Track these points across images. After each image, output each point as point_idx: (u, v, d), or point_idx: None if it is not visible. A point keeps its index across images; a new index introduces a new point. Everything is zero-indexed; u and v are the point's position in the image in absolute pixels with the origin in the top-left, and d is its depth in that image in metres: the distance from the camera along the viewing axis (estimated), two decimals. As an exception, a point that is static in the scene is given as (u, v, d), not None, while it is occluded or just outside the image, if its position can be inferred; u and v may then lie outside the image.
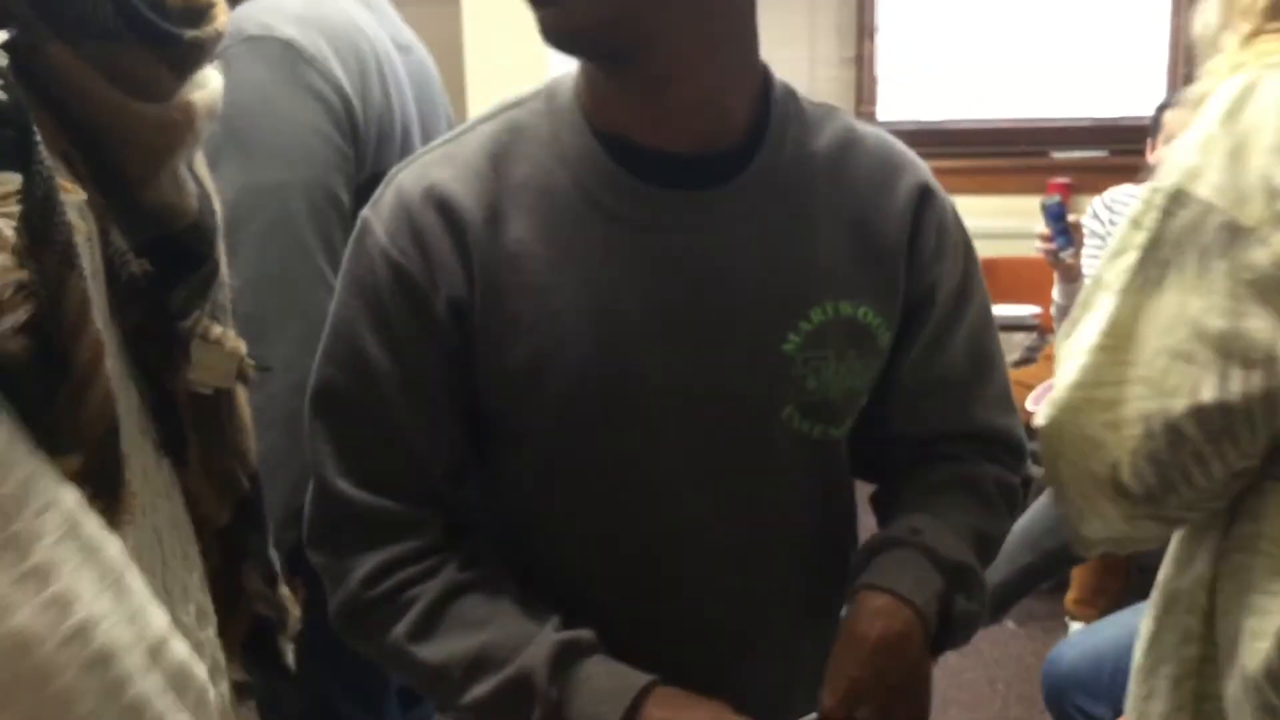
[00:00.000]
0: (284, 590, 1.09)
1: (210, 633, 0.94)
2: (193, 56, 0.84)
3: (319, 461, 1.10)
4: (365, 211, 1.09)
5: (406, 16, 1.73)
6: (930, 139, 4.98)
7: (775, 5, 4.93)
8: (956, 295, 1.18)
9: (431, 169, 1.07)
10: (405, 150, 1.56)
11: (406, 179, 1.08)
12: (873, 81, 5.11)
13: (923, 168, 1.17)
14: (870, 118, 5.06)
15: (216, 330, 0.92)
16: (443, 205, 1.05)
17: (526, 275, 1.05)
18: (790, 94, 1.12)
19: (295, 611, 1.10)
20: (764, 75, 1.11)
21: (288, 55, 1.43)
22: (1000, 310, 4.10)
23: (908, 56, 5.11)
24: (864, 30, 5.08)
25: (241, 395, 0.98)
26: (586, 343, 1.05)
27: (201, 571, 0.95)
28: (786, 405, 1.10)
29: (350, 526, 1.09)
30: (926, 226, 1.15)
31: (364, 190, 1.35)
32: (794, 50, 5.09)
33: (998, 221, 4.41)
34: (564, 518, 1.13)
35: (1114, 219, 3.53)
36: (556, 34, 0.99)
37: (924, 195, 1.15)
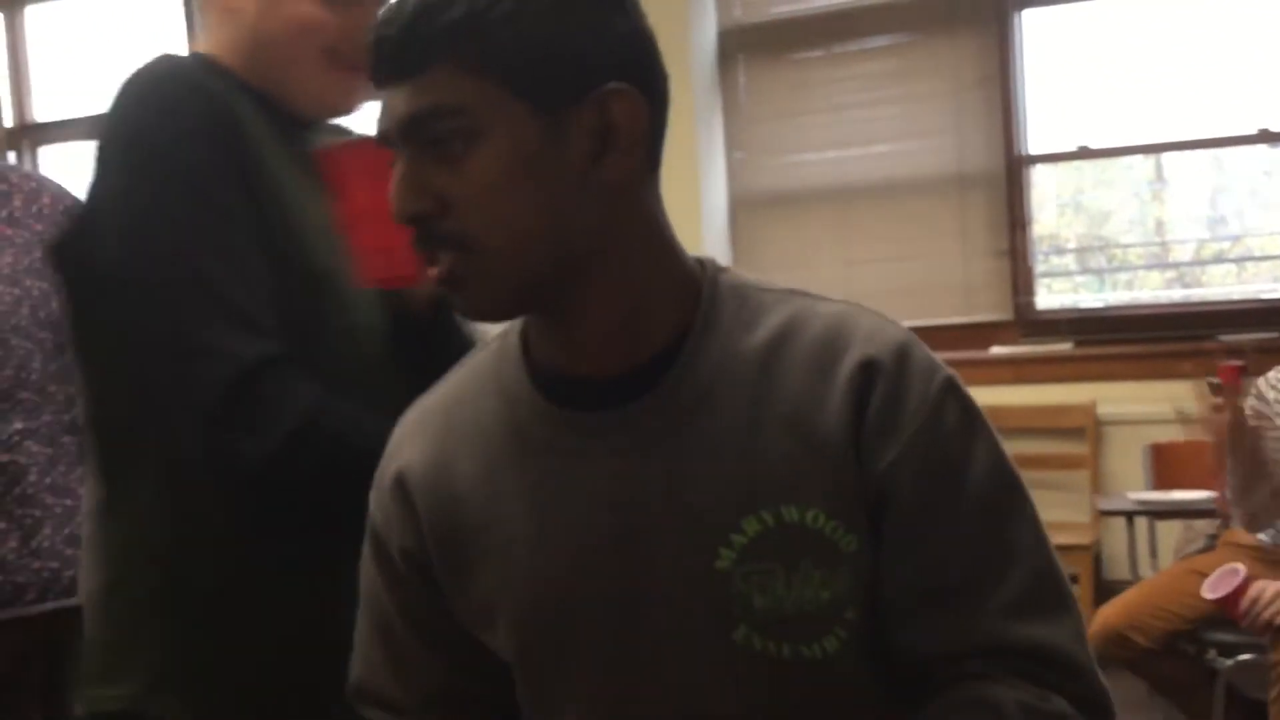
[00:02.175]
0: None
1: None
2: None
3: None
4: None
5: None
6: (1094, 326, 4.93)
7: (926, 200, 5.01)
8: (933, 480, 1.02)
9: (403, 436, 1.18)
10: None
11: (388, 452, 1.19)
12: (1028, 272, 5.08)
13: (882, 339, 1.05)
14: (1029, 309, 5.06)
15: None
16: (398, 479, 1.14)
17: (472, 515, 1.10)
18: (732, 290, 1.08)
19: None
20: (693, 277, 1.08)
21: None
22: (1176, 496, 3.98)
23: (1062, 242, 5.09)
24: (1016, 222, 5.06)
25: None
26: (527, 576, 1.08)
27: None
28: (738, 625, 1.02)
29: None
30: (871, 404, 1.02)
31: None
32: (947, 244, 5.09)
33: (1167, 407, 4.31)
34: None
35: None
36: (470, 316, 1.07)
37: (866, 368, 1.02)
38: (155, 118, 1.36)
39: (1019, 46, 5.05)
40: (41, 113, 6.72)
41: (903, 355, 1.04)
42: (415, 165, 1.00)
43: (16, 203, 2.24)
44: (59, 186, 2.31)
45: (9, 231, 2.21)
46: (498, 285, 1.01)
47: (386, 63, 1.00)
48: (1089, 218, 5.17)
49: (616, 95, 0.99)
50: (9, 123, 6.52)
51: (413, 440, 1.15)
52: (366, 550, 1.19)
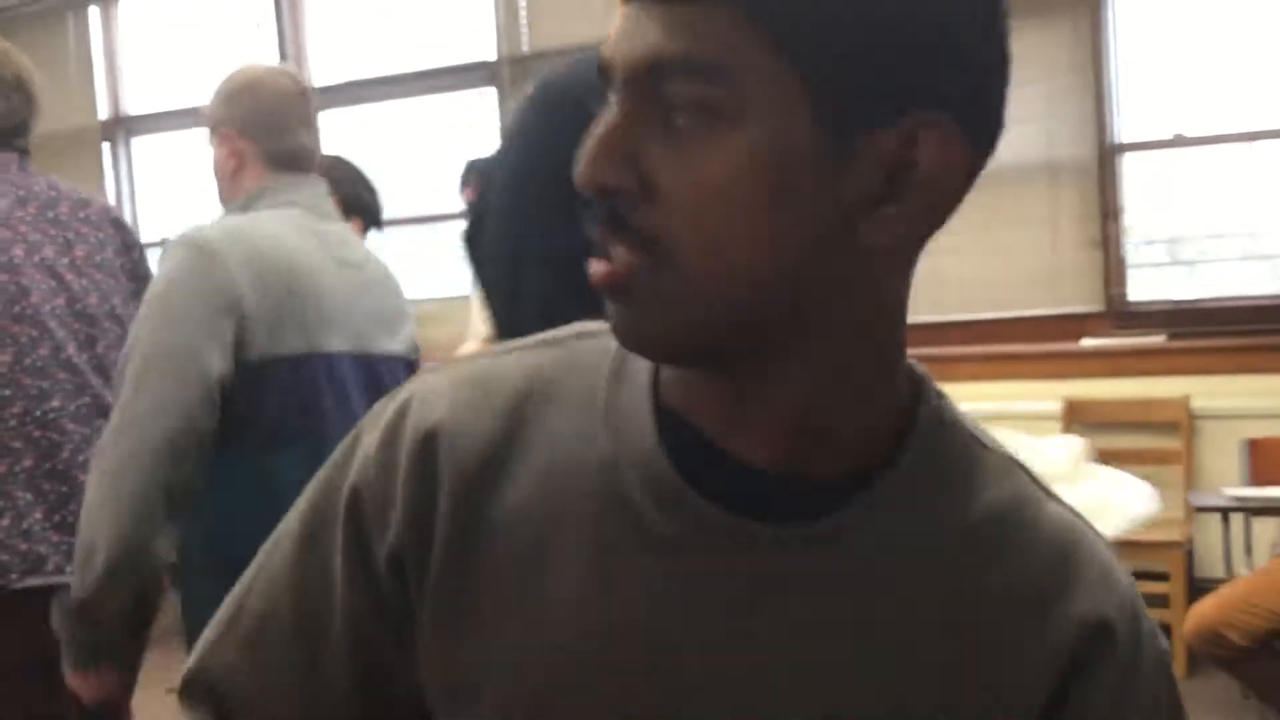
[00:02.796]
0: None
1: None
2: None
3: None
4: (365, 419, 0.89)
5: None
6: (1188, 318, 4.82)
7: (1015, 188, 4.91)
8: None
9: (448, 389, 0.86)
10: (312, 338, 2.07)
11: (416, 396, 0.86)
12: (1120, 263, 4.98)
13: (1117, 588, 0.81)
14: (1120, 300, 4.97)
15: None
16: (428, 437, 0.83)
17: (513, 547, 0.81)
18: (950, 428, 0.82)
19: None
20: (908, 402, 0.82)
21: (199, 249, 1.99)
22: (1273, 492, 3.88)
23: (1155, 232, 5.00)
24: (1108, 211, 4.96)
25: None
26: (553, 672, 0.79)
27: None
28: None
29: None
30: (1092, 681, 0.78)
31: (252, 368, 1.98)
32: (1036, 233, 5.00)
33: (1263, 401, 4.22)
34: None
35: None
36: (625, 339, 0.76)
37: (1099, 634, 0.78)
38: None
39: (1112, 32, 4.96)
40: (134, 105, 6.81)
41: (1136, 620, 0.81)
42: (631, 123, 0.72)
43: (63, 208, 2.46)
44: (106, 202, 2.61)
45: (52, 231, 2.42)
46: (674, 318, 0.73)
47: None
48: (1183, 207, 5.06)
49: (932, 130, 0.71)
50: (103, 115, 6.67)
51: (463, 402, 0.84)
52: (332, 524, 0.86)
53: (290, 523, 0.90)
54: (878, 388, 0.79)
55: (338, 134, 5.80)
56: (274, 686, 0.88)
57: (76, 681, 2.05)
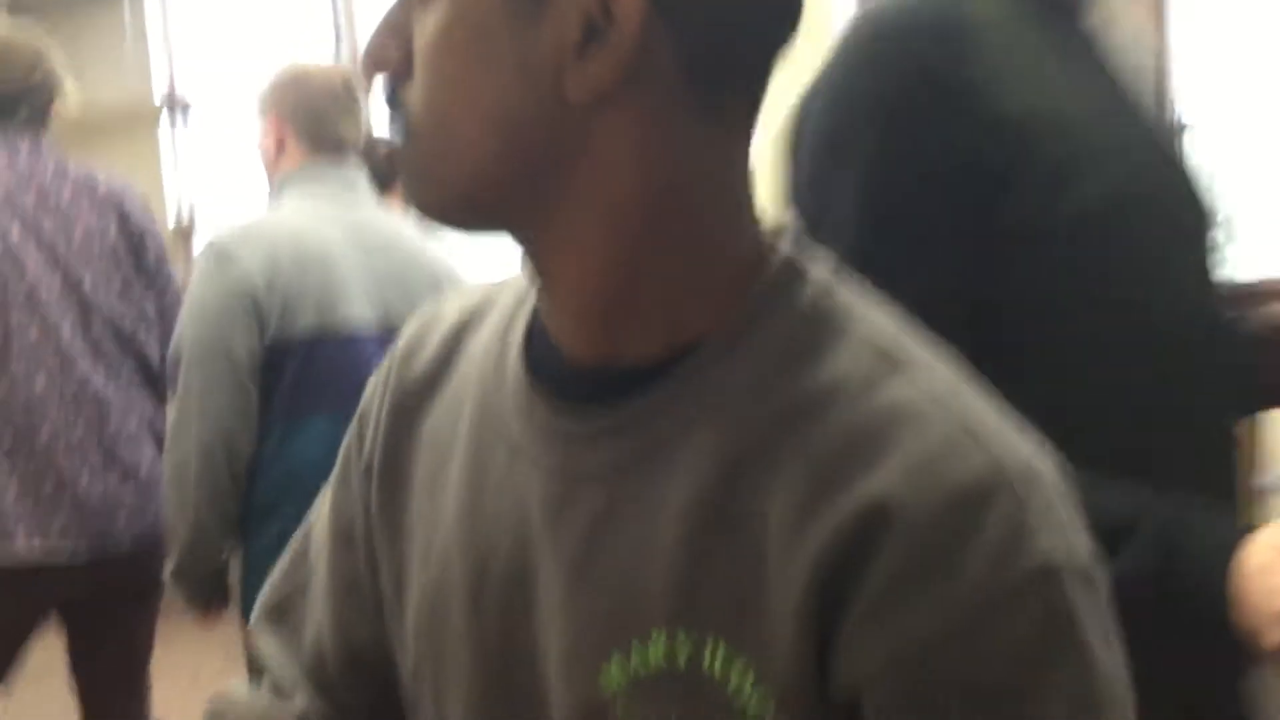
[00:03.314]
0: None
1: None
2: None
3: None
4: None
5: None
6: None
7: None
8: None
9: (413, 322, 0.96)
10: (324, 316, 2.32)
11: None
12: None
13: (930, 478, 0.67)
14: None
15: None
16: (389, 367, 0.94)
17: (423, 471, 0.88)
18: (809, 298, 0.76)
19: None
20: (757, 263, 0.77)
21: (216, 254, 2.31)
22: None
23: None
24: None
25: None
26: (437, 578, 0.85)
27: None
28: None
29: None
30: (872, 565, 0.67)
31: (271, 350, 2.29)
32: None
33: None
34: None
35: None
36: (414, 212, 0.80)
37: (870, 520, 0.67)
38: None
39: None
40: (191, 84, 6.74)
41: (961, 511, 0.67)
42: (403, 5, 0.77)
43: (66, 191, 2.58)
44: (118, 186, 2.68)
45: (51, 212, 2.54)
46: (423, 182, 0.77)
47: None
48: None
49: None
50: (160, 93, 6.66)
51: (414, 333, 0.94)
52: (351, 446, 0.97)
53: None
54: (687, 269, 0.75)
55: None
56: (324, 604, 0.96)
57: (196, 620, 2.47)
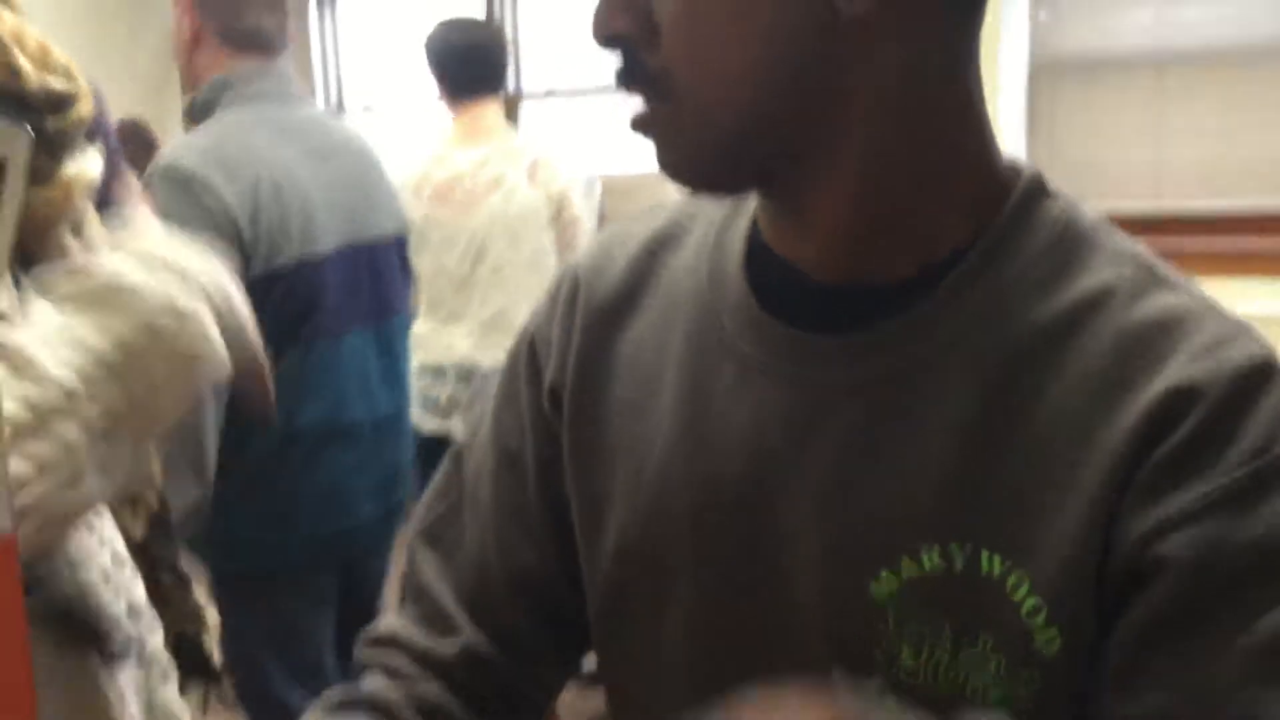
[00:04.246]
0: (196, 594, 1.24)
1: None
2: (61, 141, 0.98)
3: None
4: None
5: None
6: None
7: (1257, 69, 4.77)
8: (1221, 576, 0.68)
9: (595, 242, 0.95)
10: (305, 243, 2.22)
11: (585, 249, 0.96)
12: None
13: (1225, 355, 0.71)
14: None
15: None
16: (572, 285, 0.92)
17: (625, 391, 0.87)
18: (1054, 221, 0.78)
19: (211, 614, 1.28)
20: (1002, 187, 0.79)
21: (184, 181, 2.09)
22: None
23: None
24: None
25: None
26: (653, 491, 0.84)
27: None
28: (872, 674, 0.76)
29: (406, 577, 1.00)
30: (1169, 441, 0.69)
31: (259, 283, 2.08)
32: (1274, 122, 4.72)
33: None
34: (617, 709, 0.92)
35: None
36: (667, 174, 0.80)
37: (1181, 396, 0.70)
38: None
39: None
40: (353, 99, 6.33)
41: (1247, 385, 0.70)
42: None
43: None
44: None
45: None
46: (690, 144, 0.77)
47: None
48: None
49: None
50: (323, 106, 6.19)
51: (601, 250, 0.93)
52: (518, 370, 0.95)
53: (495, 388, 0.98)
54: (942, 186, 0.77)
55: None
56: (488, 528, 0.94)
57: None
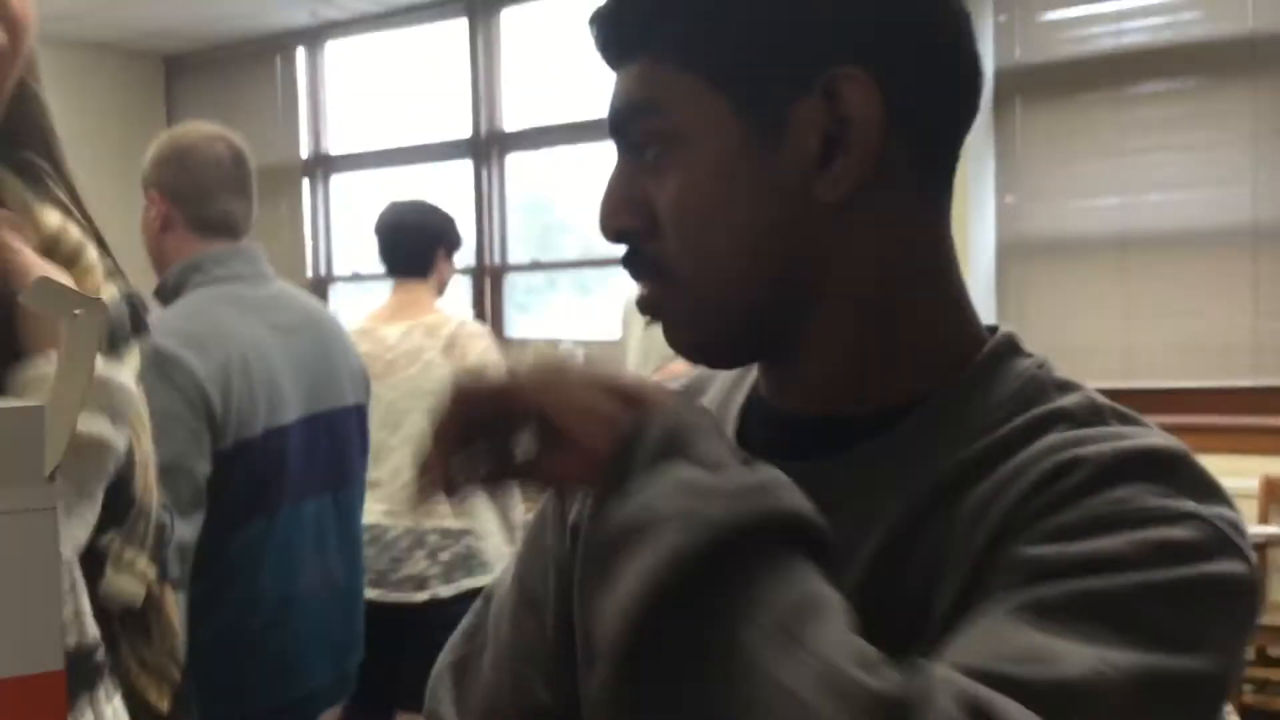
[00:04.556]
0: None
1: None
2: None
3: None
4: None
5: None
6: None
7: (1215, 252, 4.86)
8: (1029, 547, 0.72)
9: None
10: (271, 413, 2.27)
11: None
12: None
13: (1108, 446, 0.74)
14: None
15: (129, 553, 1.05)
16: None
17: None
18: (1018, 375, 0.82)
19: None
20: (973, 343, 0.84)
21: (157, 359, 1.96)
22: None
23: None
24: None
25: (170, 601, 1.10)
26: None
27: None
28: None
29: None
30: (1046, 495, 0.73)
31: (229, 454, 2.17)
32: (1237, 300, 4.86)
33: None
34: None
35: None
36: (677, 351, 0.86)
37: (1065, 467, 0.74)
38: None
39: None
40: (336, 145, 6.63)
41: (1129, 461, 0.74)
42: (627, 171, 0.83)
43: None
44: None
45: None
46: (696, 324, 0.83)
47: (601, 47, 0.85)
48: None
49: (847, 81, 0.77)
50: (305, 154, 6.42)
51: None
52: (547, 508, 0.99)
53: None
54: (916, 346, 0.82)
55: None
56: (504, 665, 0.97)
57: None
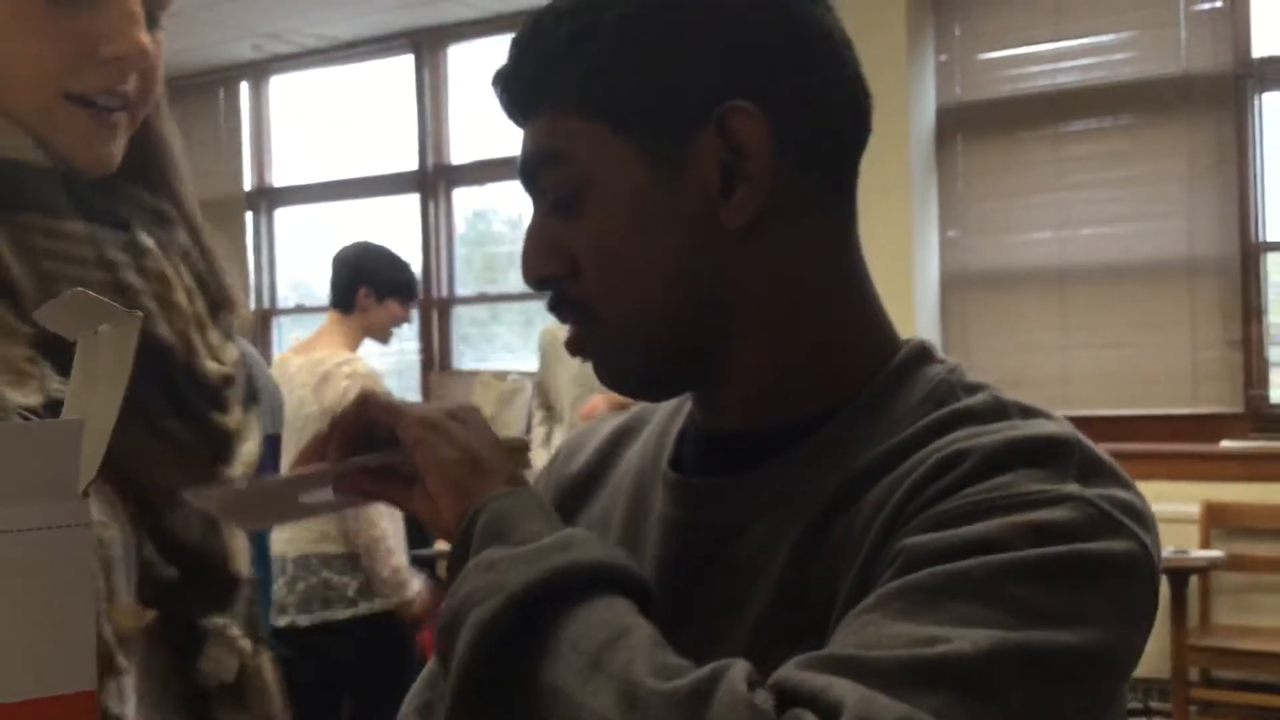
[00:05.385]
0: None
1: None
2: (222, 440, 1.07)
3: None
4: None
5: None
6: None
7: (1151, 285, 4.96)
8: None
9: (578, 429, 1.04)
10: None
11: None
12: (1262, 364, 4.82)
13: (996, 436, 0.77)
14: (1262, 402, 4.84)
15: (233, 631, 1.05)
16: (551, 462, 1.02)
17: None
18: (929, 382, 0.84)
19: None
20: (887, 355, 0.86)
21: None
22: None
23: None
24: (1250, 311, 4.81)
25: (265, 663, 1.09)
26: None
27: None
28: None
29: None
30: (934, 486, 0.75)
31: None
32: (1173, 331, 4.91)
33: None
34: None
35: None
36: (606, 385, 0.90)
37: (952, 459, 0.76)
38: None
39: (1258, 130, 4.85)
40: (280, 177, 6.64)
41: (1015, 450, 0.76)
42: (543, 220, 0.86)
43: None
44: None
45: None
46: (623, 359, 0.87)
47: (505, 106, 0.89)
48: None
49: (736, 113, 0.81)
50: (249, 186, 6.45)
51: (576, 437, 1.05)
52: None
53: None
54: (829, 358, 0.85)
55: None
56: None
57: None
